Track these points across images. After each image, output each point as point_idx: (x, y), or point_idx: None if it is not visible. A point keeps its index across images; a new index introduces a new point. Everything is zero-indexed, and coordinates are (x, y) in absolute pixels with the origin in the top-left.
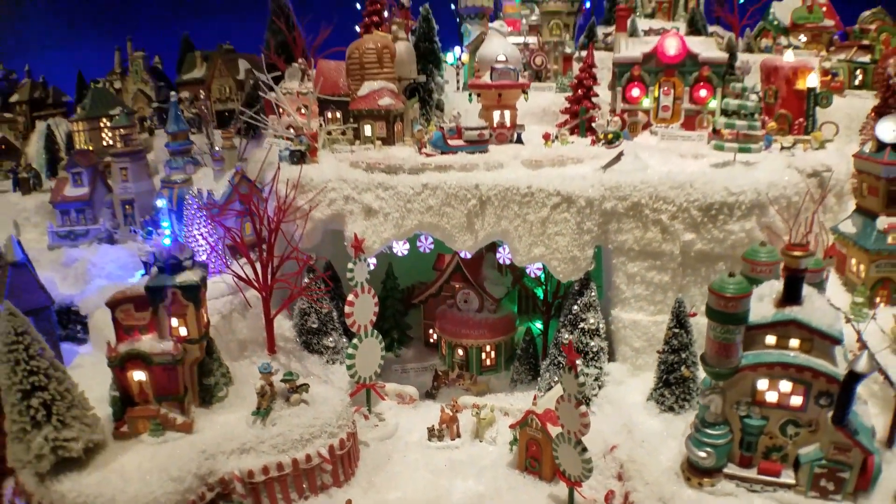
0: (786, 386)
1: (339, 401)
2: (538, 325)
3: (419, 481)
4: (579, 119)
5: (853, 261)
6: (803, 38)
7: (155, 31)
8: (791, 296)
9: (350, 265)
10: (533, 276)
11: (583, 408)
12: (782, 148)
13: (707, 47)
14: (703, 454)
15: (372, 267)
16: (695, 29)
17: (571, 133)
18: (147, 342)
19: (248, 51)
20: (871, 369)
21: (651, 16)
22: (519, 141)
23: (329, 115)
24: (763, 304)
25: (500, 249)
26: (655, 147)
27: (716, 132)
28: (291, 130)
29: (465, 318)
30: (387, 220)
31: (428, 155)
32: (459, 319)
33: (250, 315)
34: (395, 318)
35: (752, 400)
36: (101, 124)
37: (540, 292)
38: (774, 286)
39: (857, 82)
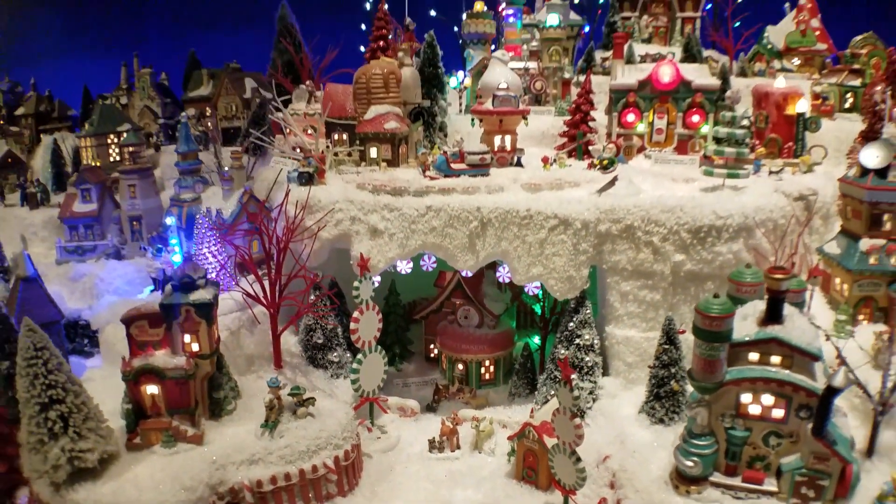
0: (768, 399)
1: (343, 414)
2: (536, 340)
3: (420, 491)
4: (577, 143)
5: (837, 280)
6: (796, 61)
7: (161, 46)
8: (773, 315)
9: (356, 283)
10: (531, 293)
11: (577, 420)
12: (770, 172)
13: (700, 74)
14: (690, 463)
15: (376, 284)
16: (690, 54)
17: (569, 156)
18: (160, 357)
19: (254, 69)
20: (847, 384)
21: (648, 41)
22: (519, 164)
23: (336, 136)
24: (747, 322)
25: (500, 268)
26: (649, 170)
27: (706, 158)
28: (298, 150)
29: (465, 333)
30: (392, 240)
31: (432, 178)
32: (460, 335)
33: (257, 331)
34: (398, 333)
35: (736, 412)
36: (109, 140)
37: (538, 308)
38: (758, 306)
39: (847, 105)
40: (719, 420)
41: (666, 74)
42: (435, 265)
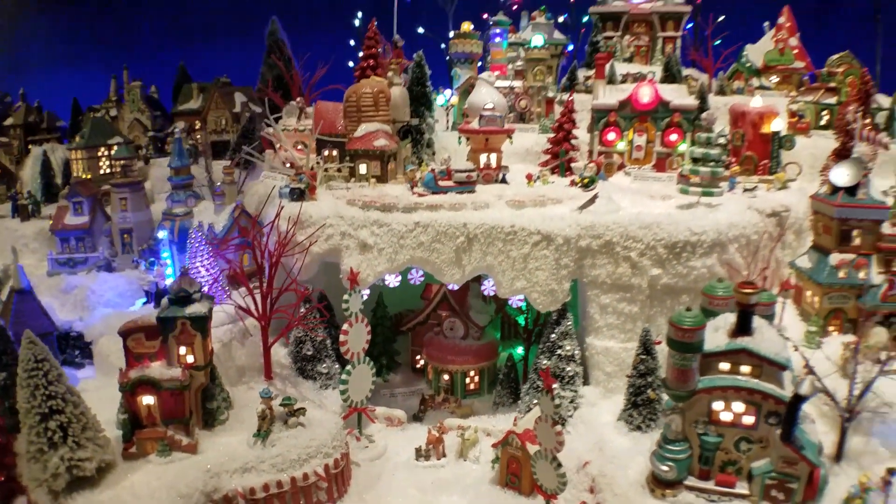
0: (739, 407)
1: (333, 423)
2: (520, 350)
3: (407, 498)
4: (560, 160)
5: (809, 293)
6: (775, 79)
7: (150, 58)
8: (742, 327)
9: (346, 296)
10: (515, 305)
11: (558, 427)
12: (745, 189)
13: (678, 94)
14: (665, 468)
15: (365, 297)
16: (670, 73)
17: (552, 173)
18: (157, 369)
19: (243, 84)
20: (813, 392)
21: (630, 60)
22: (504, 181)
23: (326, 152)
24: (718, 334)
25: (485, 282)
26: (628, 187)
27: (683, 176)
28: (288, 165)
29: (450, 344)
30: (381, 254)
31: (420, 195)
32: (445, 346)
33: (249, 343)
34: (384, 344)
35: (708, 419)
36: (100, 153)
37: (521, 320)
38: (728, 318)
39: (823, 122)
40: (693, 426)
41: (645, 95)
42: (422, 278)
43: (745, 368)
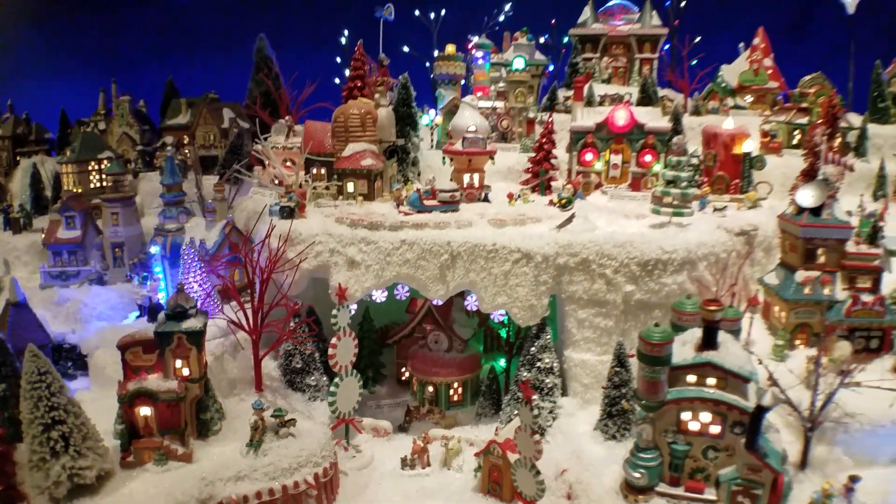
0: (706, 417)
1: (322, 434)
2: (502, 362)
3: None
4: (540, 179)
5: (776, 308)
6: (749, 98)
7: (138, 72)
8: (708, 342)
9: (334, 311)
10: (497, 320)
11: (537, 437)
12: (715, 209)
13: (653, 117)
14: (637, 475)
15: (353, 312)
16: (646, 94)
17: (533, 191)
18: (153, 381)
19: (231, 100)
20: (775, 403)
21: (608, 81)
22: (486, 200)
23: (315, 171)
24: (685, 348)
25: (468, 297)
26: (605, 206)
27: (655, 197)
28: (277, 182)
29: (435, 357)
30: (368, 271)
31: (406, 214)
32: (430, 358)
33: (240, 356)
34: (371, 357)
35: (677, 429)
36: (90, 167)
37: (503, 333)
38: (696, 333)
39: (795, 142)
40: (663, 435)
41: (621, 118)
42: (408, 293)
43: (711, 381)
